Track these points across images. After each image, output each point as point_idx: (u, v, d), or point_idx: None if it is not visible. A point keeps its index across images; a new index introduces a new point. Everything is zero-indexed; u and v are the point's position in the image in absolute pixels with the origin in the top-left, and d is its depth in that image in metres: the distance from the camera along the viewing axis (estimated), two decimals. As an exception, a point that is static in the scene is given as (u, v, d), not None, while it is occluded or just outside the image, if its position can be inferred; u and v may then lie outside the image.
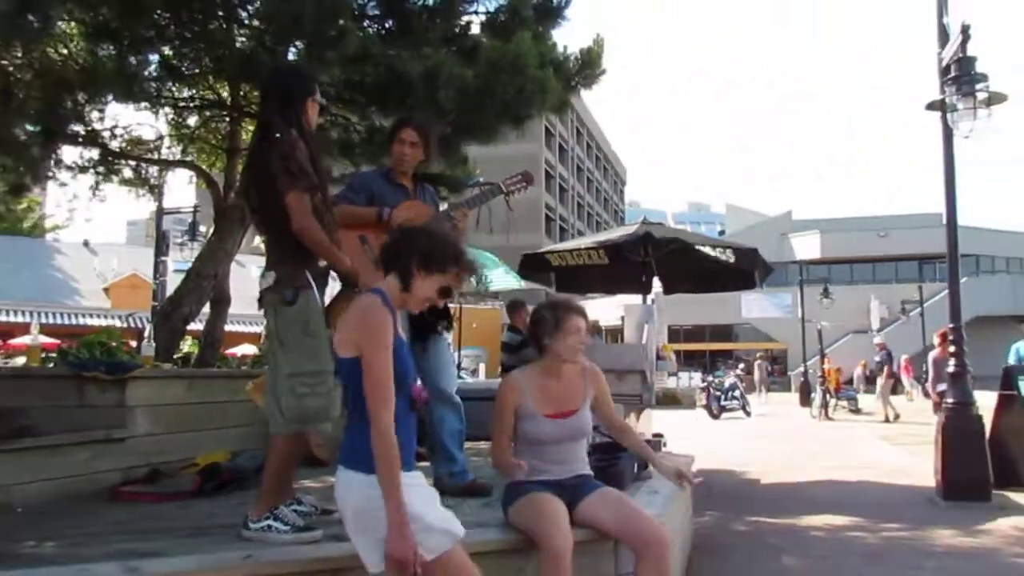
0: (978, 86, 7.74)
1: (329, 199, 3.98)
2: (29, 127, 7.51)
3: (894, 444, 14.42)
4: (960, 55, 7.86)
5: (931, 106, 8.25)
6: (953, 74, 7.90)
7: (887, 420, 20.00)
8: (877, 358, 20.99)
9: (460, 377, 14.18)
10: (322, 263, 3.84)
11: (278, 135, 3.69)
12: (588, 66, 8.25)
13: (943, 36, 8.32)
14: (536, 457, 3.61)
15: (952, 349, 8.36)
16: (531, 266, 10.14)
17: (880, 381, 21.44)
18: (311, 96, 3.92)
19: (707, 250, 8.71)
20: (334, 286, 4.05)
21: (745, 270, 9.48)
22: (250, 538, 3.48)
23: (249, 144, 4.50)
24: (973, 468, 7.88)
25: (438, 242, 2.92)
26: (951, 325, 8.43)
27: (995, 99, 7.76)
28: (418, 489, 2.79)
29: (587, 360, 3.84)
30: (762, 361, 35.33)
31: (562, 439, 3.66)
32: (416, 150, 4.67)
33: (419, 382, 2.95)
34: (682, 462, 3.86)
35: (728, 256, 8.74)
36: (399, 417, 2.73)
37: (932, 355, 13.33)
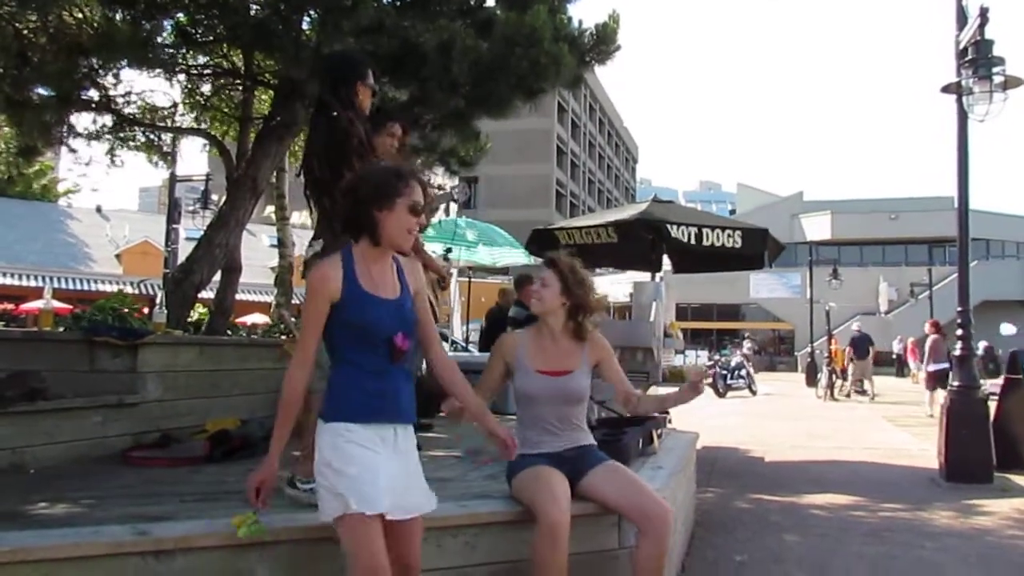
0: (995, 69, 7.72)
1: None
2: (43, 91, 7.51)
3: (898, 425, 14.46)
4: (978, 38, 7.82)
5: (947, 89, 8.22)
6: (970, 57, 7.86)
7: (871, 398, 21.17)
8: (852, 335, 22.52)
9: (467, 351, 14.25)
10: None
11: (335, 113, 3.89)
12: (603, 42, 8.18)
13: (961, 18, 8.26)
14: (533, 423, 3.66)
15: (959, 332, 8.35)
16: (539, 242, 10.08)
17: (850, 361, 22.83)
18: (361, 80, 4.07)
19: (715, 238, 8.65)
20: None
21: (755, 251, 9.43)
22: (295, 497, 3.58)
23: (309, 121, 4.73)
24: (976, 450, 7.94)
25: (374, 175, 2.86)
26: (959, 308, 8.42)
27: (1011, 83, 7.73)
28: (351, 447, 2.69)
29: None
30: (749, 340, 35.13)
31: (555, 399, 3.66)
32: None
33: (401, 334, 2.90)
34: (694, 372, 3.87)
35: (736, 241, 8.68)
36: (366, 367, 2.78)
37: (931, 339, 13.69)
